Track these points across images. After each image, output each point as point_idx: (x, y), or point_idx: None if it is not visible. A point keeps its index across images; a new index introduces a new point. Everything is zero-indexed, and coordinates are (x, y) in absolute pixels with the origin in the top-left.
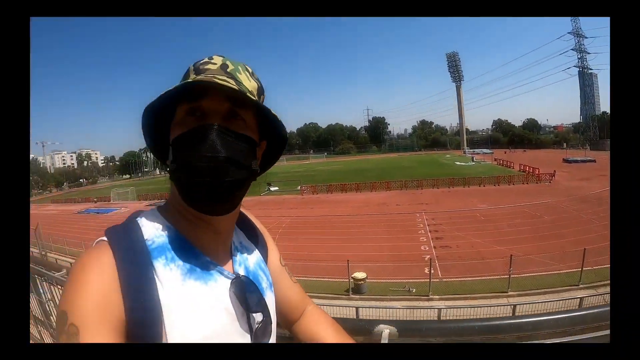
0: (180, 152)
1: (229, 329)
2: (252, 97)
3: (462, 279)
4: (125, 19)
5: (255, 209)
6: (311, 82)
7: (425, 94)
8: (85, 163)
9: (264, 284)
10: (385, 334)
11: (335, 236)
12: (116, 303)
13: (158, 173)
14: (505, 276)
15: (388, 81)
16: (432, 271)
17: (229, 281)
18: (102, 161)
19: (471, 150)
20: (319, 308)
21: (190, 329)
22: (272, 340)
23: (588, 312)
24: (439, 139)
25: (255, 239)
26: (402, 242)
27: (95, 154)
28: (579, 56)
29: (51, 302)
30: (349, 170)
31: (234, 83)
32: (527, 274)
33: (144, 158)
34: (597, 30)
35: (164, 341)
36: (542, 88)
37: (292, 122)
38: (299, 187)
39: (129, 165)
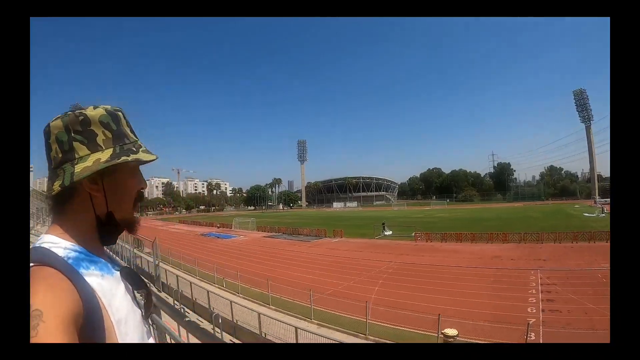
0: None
1: (131, 307)
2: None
3: None
4: None
5: (366, 251)
6: (436, 125)
7: (555, 136)
8: (214, 191)
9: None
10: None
11: (436, 287)
12: (75, 303)
13: (281, 208)
14: None
15: (516, 123)
16: (533, 338)
17: (119, 270)
18: (230, 192)
19: (603, 199)
20: None
21: (118, 310)
22: (156, 311)
23: None
24: (568, 186)
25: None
26: (507, 301)
27: (225, 184)
28: None
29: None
30: (468, 218)
31: None
32: None
33: (269, 193)
34: None
35: (106, 321)
36: None
37: (415, 167)
38: (413, 234)
39: (254, 197)
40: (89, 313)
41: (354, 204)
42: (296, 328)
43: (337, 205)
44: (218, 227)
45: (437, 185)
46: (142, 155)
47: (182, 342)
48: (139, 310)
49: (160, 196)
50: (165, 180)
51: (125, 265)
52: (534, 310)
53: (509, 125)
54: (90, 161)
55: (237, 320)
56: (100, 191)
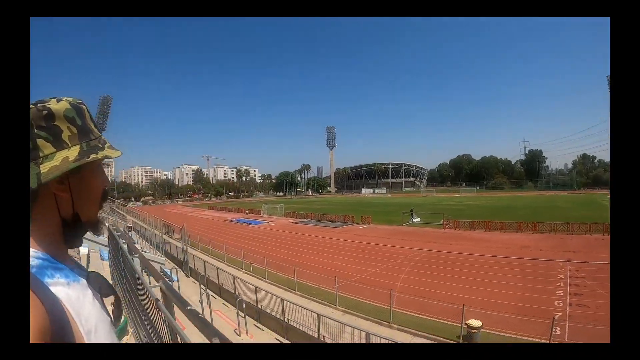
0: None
1: (100, 314)
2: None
3: None
4: None
5: (394, 238)
6: (467, 109)
7: (589, 122)
8: (243, 178)
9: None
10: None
11: (463, 276)
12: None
13: (310, 194)
14: None
15: (548, 109)
16: (559, 333)
17: (85, 276)
18: (260, 178)
19: None
20: None
21: (87, 320)
22: (123, 316)
23: None
24: (601, 176)
25: None
26: (535, 293)
27: (254, 170)
28: None
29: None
30: (498, 207)
31: None
32: None
33: (298, 179)
34: None
35: (77, 327)
36: None
37: (444, 153)
38: (441, 221)
39: (283, 184)
40: (56, 326)
41: (383, 190)
42: (318, 315)
43: (365, 191)
44: (247, 213)
45: (466, 172)
46: (109, 152)
47: (188, 342)
48: (108, 317)
49: (191, 183)
50: (195, 168)
51: (92, 270)
52: (561, 304)
53: (541, 111)
54: (58, 160)
55: (261, 306)
56: (66, 191)
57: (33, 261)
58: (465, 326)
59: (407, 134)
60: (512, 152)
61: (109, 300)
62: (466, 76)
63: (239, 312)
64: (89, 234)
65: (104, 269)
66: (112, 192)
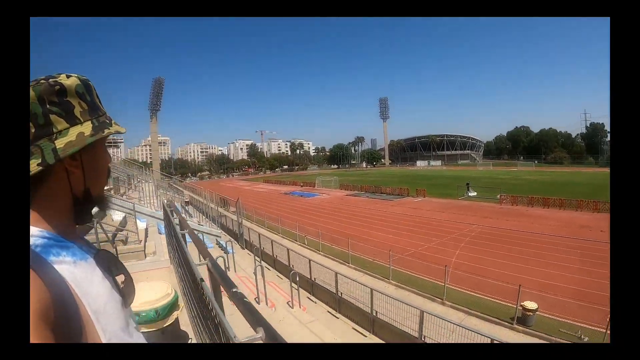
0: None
1: (110, 294)
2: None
3: None
4: None
5: (448, 212)
6: (525, 79)
7: None
8: (297, 151)
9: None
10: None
11: (520, 255)
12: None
13: (364, 166)
14: None
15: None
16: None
17: (95, 254)
18: (314, 151)
19: None
20: None
21: (95, 300)
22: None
23: None
24: None
25: None
26: (594, 277)
27: (308, 143)
28: None
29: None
30: (557, 182)
31: None
32: None
33: (352, 151)
34: None
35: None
36: None
37: (502, 125)
38: (498, 196)
39: (337, 156)
40: (60, 305)
41: (438, 162)
42: (372, 289)
43: (420, 163)
44: (301, 186)
45: (524, 145)
46: (118, 128)
47: (228, 327)
48: (119, 297)
49: (245, 158)
50: (249, 142)
51: (103, 249)
52: None
53: (604, 82)
54: (73, 135)
55: (315, 278)
56: (79, 167)
57: (38, 240)
58: (521, 308)
59: (463, 105)
60: (573, 125)
61: (121, 279)
62: (525, 44)
63: (293, 285)
64: (145, 210)
65: (162, 242)
66: (169, 169)
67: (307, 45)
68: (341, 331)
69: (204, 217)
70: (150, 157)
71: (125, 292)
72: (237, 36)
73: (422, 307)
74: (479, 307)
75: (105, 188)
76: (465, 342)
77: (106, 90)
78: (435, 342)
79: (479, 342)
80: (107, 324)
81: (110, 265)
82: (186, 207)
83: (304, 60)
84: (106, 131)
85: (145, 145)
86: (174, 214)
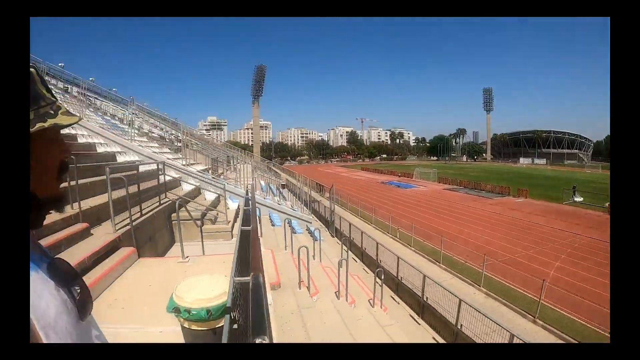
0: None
1: (63, 307)
2: None
3: None
4: None
5: (551, 217)
6: None
7: None
8: (397, 140)
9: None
10: None
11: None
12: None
13: (464, 160)
14: None
15: None
16: None
17: (48, 263)
18: (414, 141)
19: None
20: None
21: (44, 314)
22: (93, 311)
23: None
24: None
25: None
26: None
27: (408, 133)
28: None
29: None
30: None
31: None
32: None
33: (452, 143)
34: None
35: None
36: None
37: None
38: (606, 204)
39: (437, 148)
40: None
41: (542, 160)
42: (460, 300)
43: (523, 160)
44: (399, 176)
45: None
46: (61, 119)
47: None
48: (74, 308)
49: (345, 144)
50: (349, 129)
51: (56, 256)
52: None
53: None
54: None
55: (401, 277)
56: None
57: None
58: None
59: (573, 97)
60: None
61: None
62: None
63: (377, 281)
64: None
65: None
66: (269, 152)
67: (404, 36)
68: (419, 341)
69: (297, 200)
70: (251, 140)
71: (81, 304)
72: (337, 31)
73: (511, 322)
74: (577, 334)
75: (62, 185)
76: None
77: (218, 78)
78: None
79: None
80: (57, 340)
81: (65, 274)
82: (281, 190)
83: (403, 46)
84: (38, 125)
85: (247, 129)
86: (248, 204)
